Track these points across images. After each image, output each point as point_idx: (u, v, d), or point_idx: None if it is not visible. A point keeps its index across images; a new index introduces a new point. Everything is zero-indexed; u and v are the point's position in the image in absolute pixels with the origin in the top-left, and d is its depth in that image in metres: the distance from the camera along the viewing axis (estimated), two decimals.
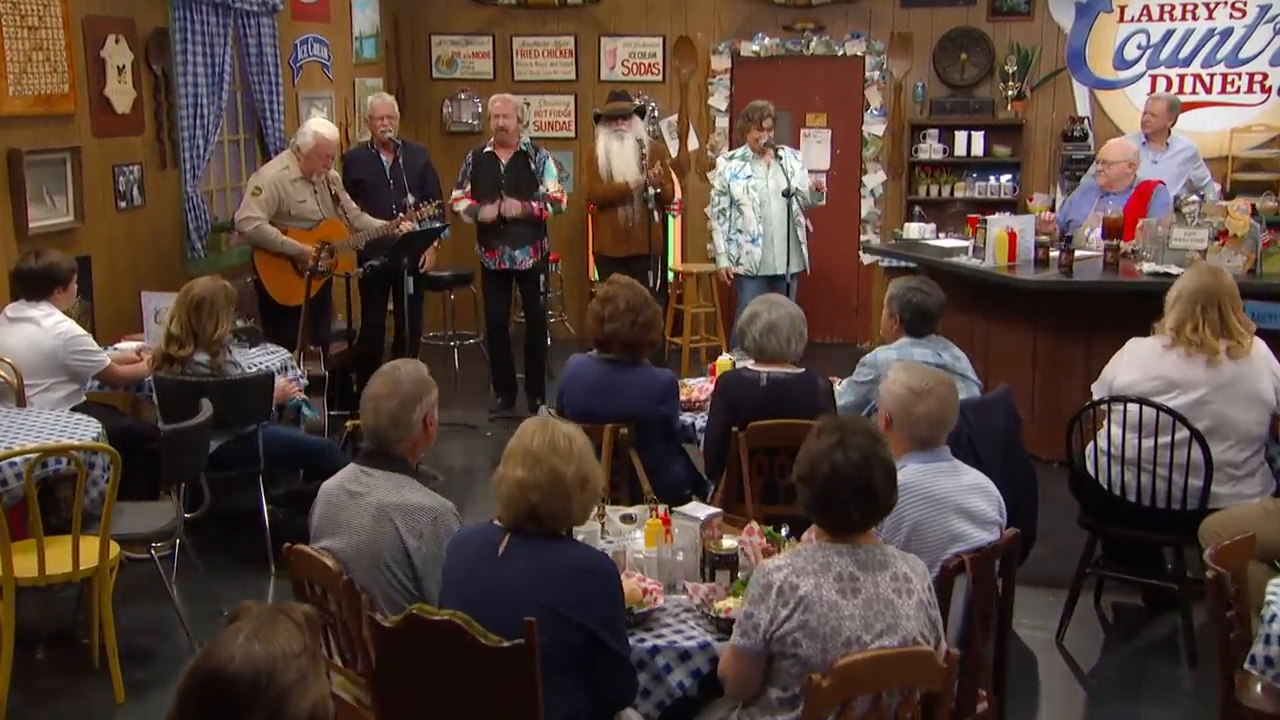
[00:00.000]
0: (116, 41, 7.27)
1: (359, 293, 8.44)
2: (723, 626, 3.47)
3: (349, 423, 7.25)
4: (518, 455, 3.26)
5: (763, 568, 3.13)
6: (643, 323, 5.20)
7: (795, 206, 8.33)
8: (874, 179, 10.59)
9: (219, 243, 8.28)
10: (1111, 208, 7.60)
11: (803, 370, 5.16)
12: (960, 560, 3.49)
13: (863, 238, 10.63)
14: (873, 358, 5.38)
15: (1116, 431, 5.09)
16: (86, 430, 5.35)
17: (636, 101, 9.17)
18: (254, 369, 6.26)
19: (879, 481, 3.08)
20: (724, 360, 5.89)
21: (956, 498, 3.67)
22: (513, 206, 8.17)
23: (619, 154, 8.49)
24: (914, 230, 9.81)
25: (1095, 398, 5.27)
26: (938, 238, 9.60)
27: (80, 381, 6.04)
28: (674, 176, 9.03)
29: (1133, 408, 5.01)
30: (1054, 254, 7.46)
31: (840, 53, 10.47)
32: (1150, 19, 10.07)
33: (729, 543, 3.79)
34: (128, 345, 6.63)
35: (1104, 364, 7.09)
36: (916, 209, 10.38)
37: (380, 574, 3.60)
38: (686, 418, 5.56)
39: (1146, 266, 7.18)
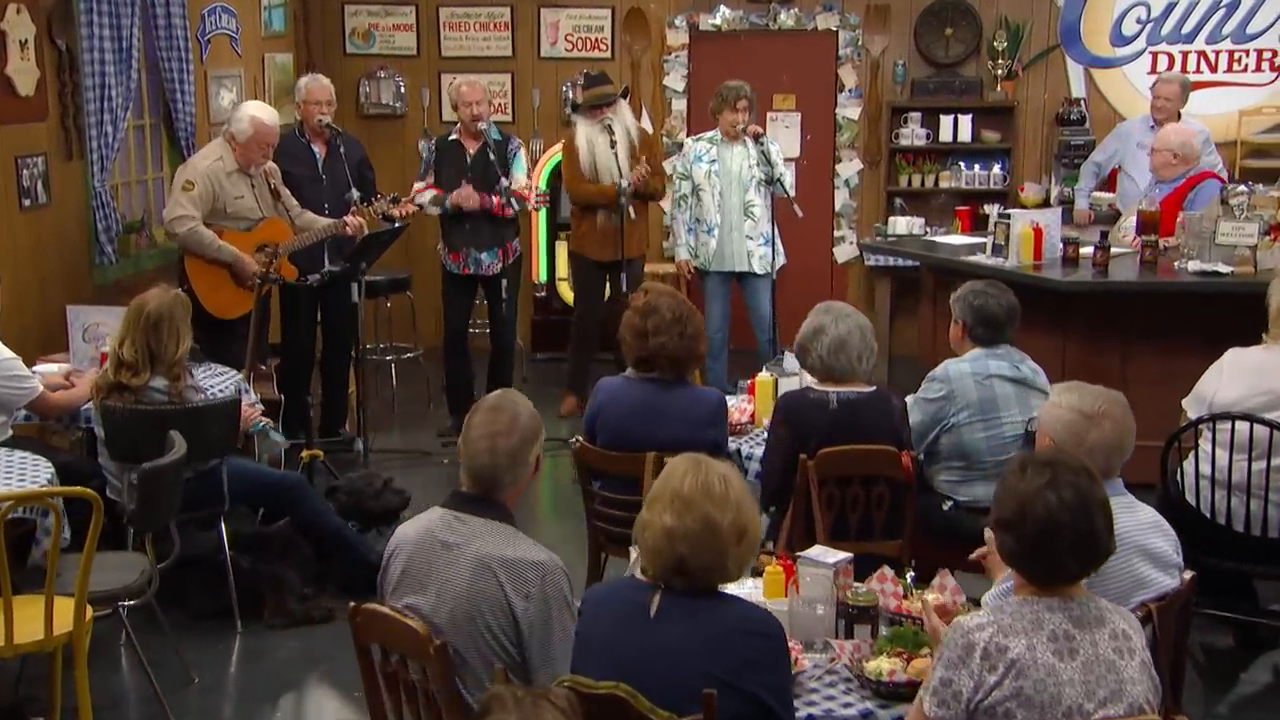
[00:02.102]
0: (18, 12, 6.94)
1: (279, 303, 8.15)
2: (883, 692, 3.38)
3: (305, 453, 7.05)
4: (665, 499, 3.13)
5: (960, 626, 3.03)
6: (691, 334, 5.13)
7: (768, 199, 8.38)
8: (849, 168, 10.59)
9: (128, 245, 7.96)
10: (1153, 199, 7.65)
11: (874, 389, 5.09)
12: (1146, 609, 3.43)
13: (836, 233, 10.62)
14: (943, 371, 5.32)
15: (1221, 454, 5.09)
16: (37, 472, 5.08)
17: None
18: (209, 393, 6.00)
19: (1099, 526, 3.00)
20: (764, 378, 5.80)
21: (1138, 537, 3.61)
22: (468, 197, 8.02)
23: (604, 147, 8.30)
24: (901, 225, 9.81)
25: (1191, 416, 5.27)
26: (927, 232, 9.64)
27: (7, 412, 5.73)
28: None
29: (1241, 426, 5.02)
30: (1084, 251, 7.49)
31: (811, 27, 10.46)
32: None
33: (867, 592, 3.69)
34: (49, 368, 6.31)
35: (1142, 372, 7.25)
36: (897, 201, 10.39)
37: (479, 638, 3.46)
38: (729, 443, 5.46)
39: (1192, 265, 7.24)
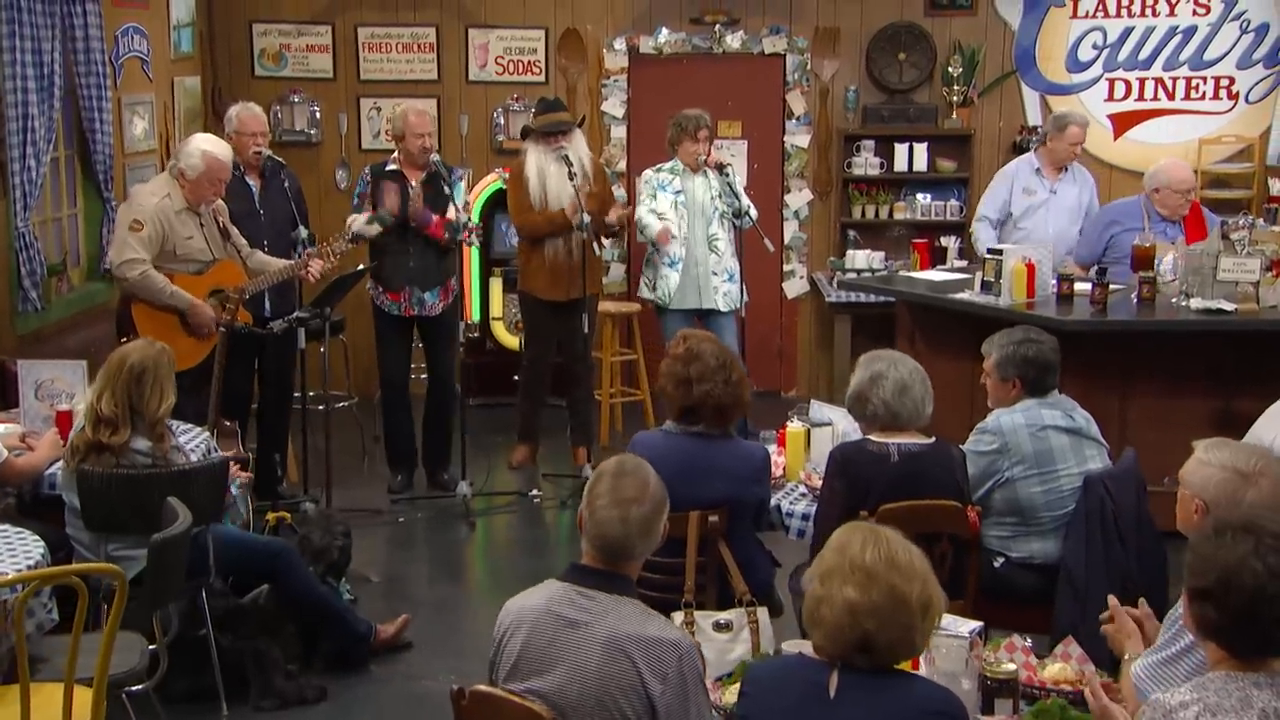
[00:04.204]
0: None
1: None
2: None
3: (271, 515, 6.92)
4: (843, 572, 3.12)
5: (1160, 705, 3.05)
6: (735, 381, 5.16)
7: (731, 232, 8.45)
8: (798, 199, 10.68)
9: (49, 289, 7.73)
10: (1168, 237, 7.83)
11: (934, 440, 5.13)
12: None
13: (786, 267, 10.69)
14: (995, 423, 5.37)
15: None
16: (28, 547, 4.91)
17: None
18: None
19: None
20: (795, 428, 5.79)
21: None
22: (417, 197, 8.01)
23: (557, 177, 8.27)
24: (860, 259, 10.00)
25: None
26: (887, 267, 9.78)
27: None
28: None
29: None
30: (1080, 287, 7.64)
31: (757, 50, 10.56)
32: (1106, 14, 10.51)
33: (1008, 665, 3.71)
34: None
35: (1143, 414, 7.40)
36: (850, 233, 10.50)
37: None
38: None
39: (1194, 302, 7.40)
